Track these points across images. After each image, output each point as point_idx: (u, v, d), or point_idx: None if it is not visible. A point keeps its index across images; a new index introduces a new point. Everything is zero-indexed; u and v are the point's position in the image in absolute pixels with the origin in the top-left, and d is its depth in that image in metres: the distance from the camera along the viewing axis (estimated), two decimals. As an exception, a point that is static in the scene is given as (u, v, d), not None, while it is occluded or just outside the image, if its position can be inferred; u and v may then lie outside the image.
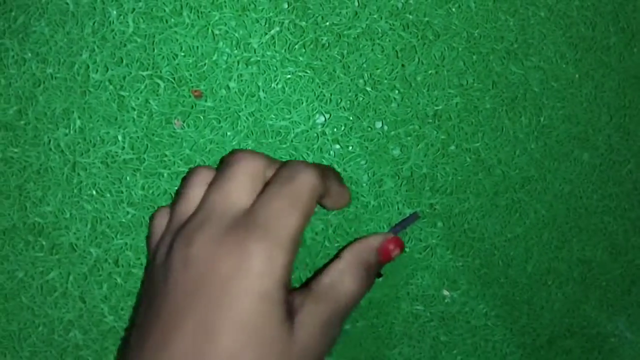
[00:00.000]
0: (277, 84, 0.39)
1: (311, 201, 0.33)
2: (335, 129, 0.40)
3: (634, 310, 0.43)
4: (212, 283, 0.31)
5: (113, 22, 0.38)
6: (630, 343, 0.43)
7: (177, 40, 0.39)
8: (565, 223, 0.42)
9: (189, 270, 0.32)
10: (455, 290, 0.42)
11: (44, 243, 0.39)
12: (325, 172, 0.35)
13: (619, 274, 0.43)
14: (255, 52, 0.39)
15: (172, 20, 0.39)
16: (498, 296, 0.42)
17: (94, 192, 0.39)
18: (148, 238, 0.38)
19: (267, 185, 0.34)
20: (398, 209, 0.41)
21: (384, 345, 0.42)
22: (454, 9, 0.41)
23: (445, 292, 0.42)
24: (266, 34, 0.39)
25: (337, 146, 0.40)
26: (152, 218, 0.37)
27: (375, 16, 0.40)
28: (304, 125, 0.40)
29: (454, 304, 0.42)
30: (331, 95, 0.40)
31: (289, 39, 0.39)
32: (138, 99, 0.39)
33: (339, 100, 0.40)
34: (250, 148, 0.39)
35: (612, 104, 0.42)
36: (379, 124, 0.40)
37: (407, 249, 0.41)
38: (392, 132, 0.40)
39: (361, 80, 0.40)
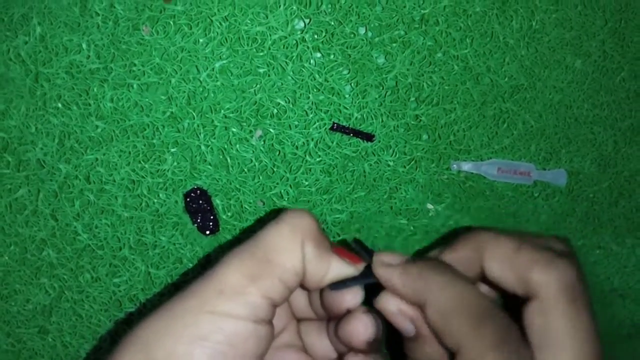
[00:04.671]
0: (252, -15, 0.36)
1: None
2: (315, 36, 0.37)
3: (621, 222, 0.43)
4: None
5: None
6: (615, 255, 0.43)
7: (141, -64, 0.35)
8: (554, 134, 0.41)
9: None
10: (440, 204, 0.41)
11: (9, 159, 0.37)
12: None
13: (607, 185, 0.42)
14: (227, -50, 0.36)
15: None
16: (483, 209, 0.41)
17: (60, 105, 0.37)
18: None
19: None
20: (382, 121, 0.39)
21: (367, 260, 0.41)
22: None
23: (430, 206, 0.41)
24: None
25: (318, 54, 0.38)
26: None
27: None
28: (282, 31, 0.37)
29: (438, 217, 0.41)
30: (310, -3, 0.37)
31: None
32: (102, 2, 0.36)
33: (320, 4, 0.37)
34: (224, 56, 0.37)
35: (607, 7, 0.40)
36: (362, 30, 0.38)
37: (390, 163, 0.39)
38: (377, 39, 0.38)
39: (343, -18, 0.37)
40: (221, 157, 0.38)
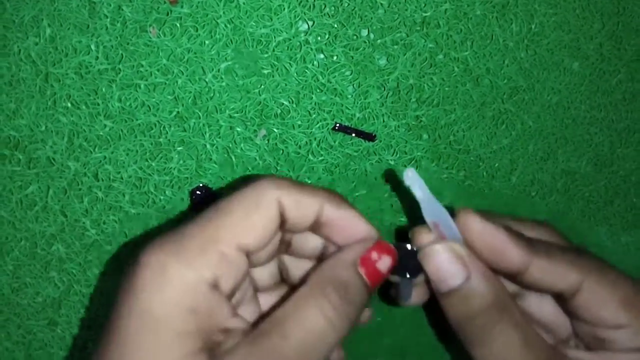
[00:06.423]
0: (257, -11, 0.37)
1: (268, 211, 0.28)
2: (319, 37, 0.38)
3: (616, 220, 0.44)
4: (116, 301, 0.27)
5: None
6: (611, 252, 0.44)
7: (149, -60, 0.36)
8: (552, 134, 0.42)
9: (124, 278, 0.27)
10: (440, 202, 0.42)
11: (20, 157, 0.38)
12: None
13: (603, 185, 0.43)
14: (233, -46, 0.37)
15: None
16: (482, 208, 0.42)
17: (69, 104, 0.38)
18: None
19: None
20: (383, 121, 0.40)
21: (367, 256, 0.42)
22: None
23: (430, 204, 0.42)
24: None
25: (321, 56, 0.39)
26: None
27: None
28: (286, 33, 0.38)
29: (437, 215, 0.42)
30: (315, 0, 0.38)
31: (269, -61, 0.37)
32: (110, 5, 0.37)
33: (323, 6, 0.38)
34: (229, 57, 0.38)
35: (605, 10, 0.41)
36: (364, 32, 0.39)
37: (391, 162, 0.40)
38: (379, 41, 0.39)
39: (346, -15, 0.38)
40: (226, 155, 0.39)
